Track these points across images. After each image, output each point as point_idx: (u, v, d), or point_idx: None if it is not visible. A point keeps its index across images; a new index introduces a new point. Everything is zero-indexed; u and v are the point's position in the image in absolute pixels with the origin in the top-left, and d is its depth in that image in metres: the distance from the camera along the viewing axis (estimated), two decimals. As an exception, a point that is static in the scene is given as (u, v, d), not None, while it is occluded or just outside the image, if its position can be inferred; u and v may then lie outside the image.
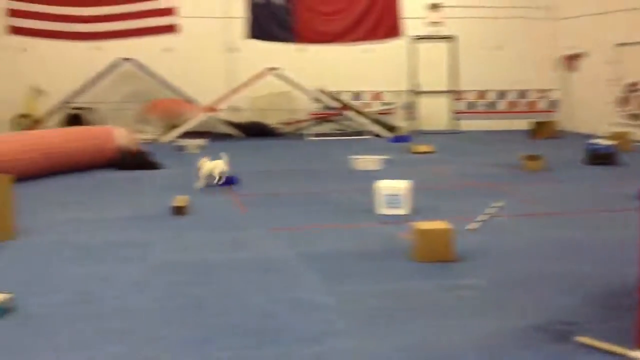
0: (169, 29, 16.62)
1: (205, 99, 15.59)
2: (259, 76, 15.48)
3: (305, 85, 15.92)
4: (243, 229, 6.75)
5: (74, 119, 15.52)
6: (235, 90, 15.91)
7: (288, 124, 16.65)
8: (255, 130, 15.99)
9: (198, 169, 9.20)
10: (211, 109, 15.26)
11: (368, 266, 5.41)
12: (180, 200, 7.52)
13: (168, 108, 15.19)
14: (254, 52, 16.72)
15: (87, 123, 15.43)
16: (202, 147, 13.04)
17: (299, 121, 16.65)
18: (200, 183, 9.08)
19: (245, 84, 15.58)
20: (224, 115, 16.11)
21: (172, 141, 14.03)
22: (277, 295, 4.72)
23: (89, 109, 15.91)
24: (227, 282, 5.02)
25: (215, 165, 9.22)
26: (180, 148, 13.15)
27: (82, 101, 15.72)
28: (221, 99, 15.58)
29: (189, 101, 15.57)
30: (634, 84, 15.77)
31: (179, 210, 7.26)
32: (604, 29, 16.36)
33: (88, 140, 10.63)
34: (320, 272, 5.24)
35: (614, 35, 16.01)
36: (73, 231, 6.68)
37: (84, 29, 16.15)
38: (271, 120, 16.48)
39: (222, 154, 9.38)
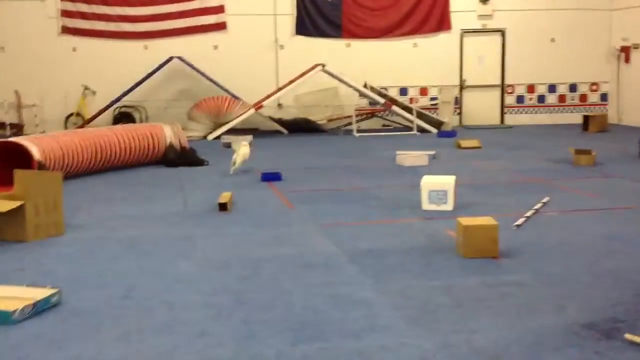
0: (218, 26, 16.82)
1: (252, 97, 15.70)
2: (307, 72, 15.50)
3: (352, 81, 15.89)
4: (288, 225, 6.78)
5: (124, 117, 15.84)
6: (282, 87, 15.98)
7: (333, 120, 16.64)
8: (300, 127, 16.02)
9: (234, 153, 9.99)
10: (257, 106, 15.35)
11: (412, 262, 5.37)
12: (225, 196, 7.59)
13: (215, 106, 15.35)
14: (300, 48, 16.79)
15: (137, 121, 15.74)
16: (248, 144, 13.12)
17: (344, 117, 16.62)
18: (235, 167, 9.80)
19: (293, 80, 15.63)
20: (270, 112, 16.20)
21: (219, 138, 14.17)
22: (321, 290, 4.72)
23: (139, 107, 16.21)
24: (271, 278, 5.05)
25: (244, 153, 9.98)
26: (227, 145, 13.26)
27: (131, 100, 16.02)
28: (267, 96, 15.67)
29: (235, 99, 15.70)
30: (690, 75, 15.25)
31: (224, 206, 7.33)
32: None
33: (137, 137, 10.82)
34: (364, 268, 5.23)
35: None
36: (120, 227, 6.81)
37: (133, 29, 16.48)
38: (317, 116, 16.50)
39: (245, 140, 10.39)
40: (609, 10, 17.72)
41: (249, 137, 10.50)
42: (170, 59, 15.87)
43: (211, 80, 15.97)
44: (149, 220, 7.09)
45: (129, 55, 16.19)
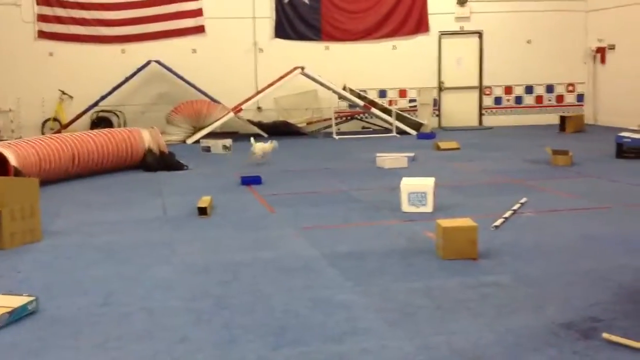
0: (196, 30, 16.75)
1: (231, 100, 15.66)
2: (287, 75, 15.49)
3: (331, 84, 15.91)
4: (268, 229, 6.77)
5: (102, 122, 15.72)
6: (261, 90, 15.95)
7: (313, 122, 16.64)
8: (280, 130, 16.00)
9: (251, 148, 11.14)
10: (236, 109, 15.31)
11: (392, 264, 5.39)
12: (205, 201, 7.56)
13: (194, 109, 15.28)
14: (279, 51, 16.79)
15: (115, 126, 15.61)
16: (227, 148, 13.10)
17: (324, 120, 16.63)
18: (250, 159, 11.05)
19: (272, 84, 15.61)
20: (249, 116, 16.16)
21: (198, 142, 14.11)
22: (302, 294, 4.72)
23: (116, 111, 16.10)
24: (252, 282, 5.04)
25: (263, 147, 11.17)
26: (207, 149, 13.23)
27: (109, 104, 15.90)
28: (246, 100, 15.64)
29: (214, 102, 15.65)
30: (665, 76, 15.47)
31: (204, 211, 7.30)
32: (633, 20, 16.10)
33: (115, 142, 10.74)
34: (345, 271, 5.23)
35: (643, 26, 15.75)
36: (98, 232, 6.76)
37: (111, 33, 16.36)
38: (296, 119, 16.49)
39: (273, 140, 11.58)
40: (584, 12, 17.93)
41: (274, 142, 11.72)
42: (149, 62, 15.79)
43: (190, 83, 15.91)
44: (128, 226, 7.03)
45: (107, 60, 16.08)
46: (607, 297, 4.46)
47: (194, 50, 16.66)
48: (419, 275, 5.07)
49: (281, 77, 15.56)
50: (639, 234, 6.11)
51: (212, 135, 14.63)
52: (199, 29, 16.82)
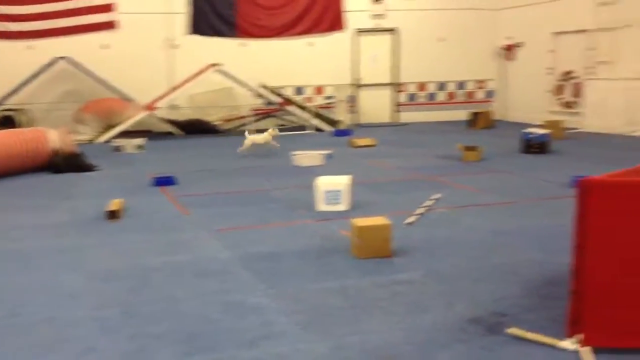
0: (108, 25, 16.24)
1: (144, 97, 15.30)
2: (201, 72, 15.27)
3: (247, 81, 15.79)
4: (181, 231, 6.63)
5: (6, 121, 15.02)
6: (175, 88, 15.66)
7: (229, 120, 16.48)
8: (195, 128, 15.78)
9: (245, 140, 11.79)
10: (150, 107, 14.97)
11: (307, 265, 5.38)
12: (115, 203, 7.34)
13: (105, 107, 14.84)
14: (195, 48, 16.53)
15: (20, 125, 14.96)
16: (140, 147, 12.79)
17: (240, 117, 16.50)
18: (243, 149, 11.74)
19: (187, 81, 15.36)
20: (163, 113, 15.84)
21: (109, 141, 13.71)
22: (215, 298, 4.64)
23: (22, 110, 15.42)
24: (163, 288, 4.92)
25: (254, 139, 11.87)
26: (118, 148, 12.87)
27: (14, 102, 15.23)
28: (161, 97, 15.32)
29: (126, 100, 15.25)
30: (567, 73, 16.17)
31: (114, 214, 7.08)
32: (540, 18, 16.73)
33: (19, 142, 10.28)
34: (259, 273, 5.18)
35: (550, 24, 16.39)
36: (2, 239, 6.44)
37: (19, 28, 15.65)
38: (212, 117, 16.28)
39: (272, 128, 12.28)
40: (494, 10, 18.49)
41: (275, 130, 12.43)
42: (57, 59, 15.21)
43: (101, 80, 15.44)
44: (34, 231, 6.74)
45: (11, 56, 15.39)
46: (515, 291, 4.59)
47: (106, 46, 16.18)
48: (334, 275, 5.09)
49: (196, 74, 15.33)
50: (544, 227, 6.33)
51: (124, 134, 14.25)
52: (112, 25, 16.32)
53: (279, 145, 12.16)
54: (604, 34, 14.99)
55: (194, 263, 5.50)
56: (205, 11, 16.92)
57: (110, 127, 14.69)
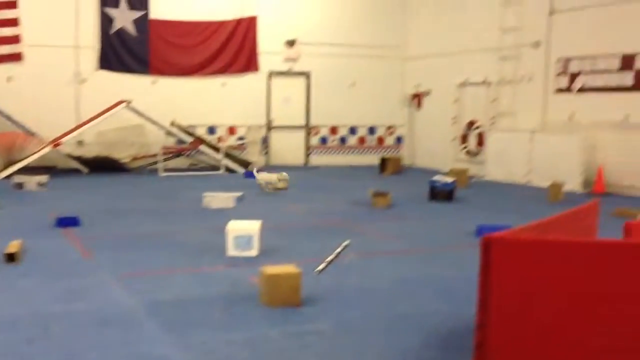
0: (12, 57, 15.72)
1: (50, 132, 14.80)
2: (111, 108, 14.94)
3: (158, 119, 15.58)
4: (83, 276, 6.38)
5: None
6: (83, 123, 15.24)
7: (138, 158, 16.15)
8: (102, 165, 15.36)
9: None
10: (55, 142, 14.48)
11: (215, 314, 5.27)
12: (14, 245, 6.99)
13: (6, 142, 14.23)
14: (104, 83, 16.23)
15: None
16: (43, 184, 12.31)
17: (150, 156, 16.20)
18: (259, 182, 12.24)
19: (95, 117, 14.98)
20: (69, 149, 15.35)
21: (10, 178, 13.12)
22: (118, 350, 4.47)
23: None
24: (63, 338, 4.69)
25: (266, 177, 12.25)
26: (19, 185, 12.33)
27: None
28: (67, 132, 14.86)
29: (30, 134, 14.70)
30: (472, 122, 16.85)
31: (12, 257, 6.74)
32: (446, 69, 17.44)
33: None
34: (166, 322, 5.04)
35: (455, 75, 17.10)
36: None
37: None
38: (120, 154, 15.91)
39: (283, 174, 12.53)
40: (403, 59, 19.12)
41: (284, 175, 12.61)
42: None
43: (3, 114, 14.84)
44: None
45: None
46: (421, 342, 4.66)
47: (10, 79, 15.63)
48: (242, 325, 5.01)
49: (105, 111, 15.00)
50: (450, 277, 6.48)
51: (26, 170, 13.68)
52: (16, 57, 15.82)
53: (286, 187, 12.36)
54: (505, 86, 15.76)
55: (97, 311, 5.29)
56: (116, 47, 16.68)
57: (11, 162, 14.07)
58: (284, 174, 12.49)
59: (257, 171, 12.49)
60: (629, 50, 12.87)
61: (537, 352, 3.27)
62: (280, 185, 12.28)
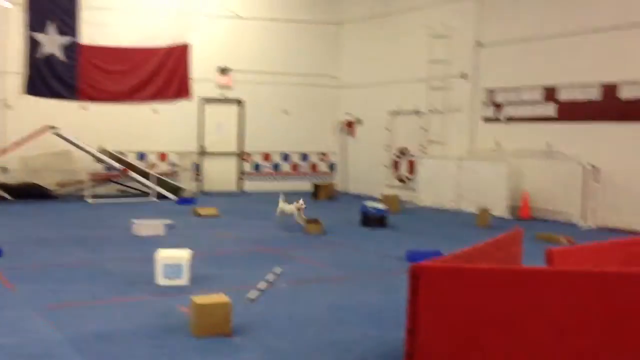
0: None
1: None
2: (36, 134, 14.53)
3: (86, 145, 15.24)
4: (5, 309, 6.14)
5: None
6: (7, 149, 14.75)
7: (66, 185, 15.72)
8: (27, 192, 14.87)
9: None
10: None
11: (144, 346, 5.16)
12: None
13: None
14: (31, 109, 15.78)
15: None
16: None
17: (78, 182, 15.79)
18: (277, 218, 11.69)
19: (20, 142, 14.54)
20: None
21: None
22: (39, 386, 4.31)
23: None
24: (-20, 375, 4.50)
25: (283, 208, 11.61)
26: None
27: None
28: (-11, 159, 14.37)
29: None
30: (403, 150, 17.16)
31: None
32: (378, 98, 17.77)
33: None
34: (92, 356, 4.90)
35: (387, 104, 17.44)
36: None
37: None
38: (47, 181, 15.45)
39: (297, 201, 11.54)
40: (336, 88, 19.37)
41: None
42: None
43: None
44: None
45: None
46: (351, 370, 4.68)
47: None
48: (171, 357, 4.91)
49: (30, 136, 14.58)
50: (380, 303, 6.54)
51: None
52: None
53: (305, 220, 11.29)
54: (435, 115, 16.16)
55: (19, 346, 5.09)
56: (43, 72, 16.27)
57: None
58: (300, 201, 11.58)
59: (282, 199, 11.85)
60: (550, 82, 13.42)
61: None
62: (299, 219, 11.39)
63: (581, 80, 12.80)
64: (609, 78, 12.30)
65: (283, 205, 11.71)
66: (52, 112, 15.78)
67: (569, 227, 12.23)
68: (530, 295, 3.27)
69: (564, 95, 13.22)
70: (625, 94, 12.11)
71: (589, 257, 4.35)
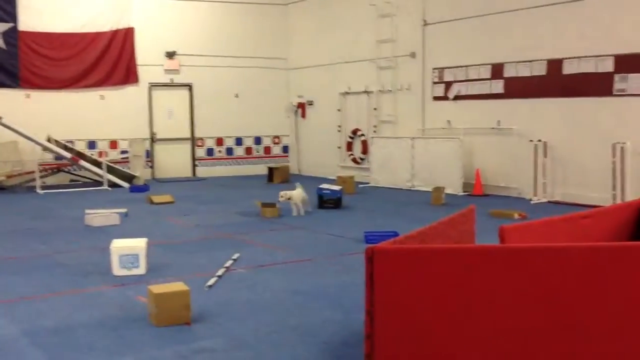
0: None
1: None
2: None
3: (34, 134, 14.87)
4: (-44, 306, 5.99)
5: None
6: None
7: (14, 176, 15.34)
8: (-26, 185, 14.50)
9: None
10: None
11: (102, 337, 5.10)
12: None
13: None
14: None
15: None
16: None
17: (26, 173, 15.42)
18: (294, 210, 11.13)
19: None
20: None
21: None
22: (-4, 384, 4.24)
23: None
24: None
25: (290, 195, 11.02)
26: None
27: None
28: None
29: None
30: (355, 131, 17.24)
31: None
32: (329, 79, 17.77)
33: None
34: (49, 350, 4.82)
35: (338, 85, 17.45)
36: None
37: None
38: (-7, 173, 15.08)
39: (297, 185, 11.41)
40: (285, 70, 19.29)
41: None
42: None
43: None
44: None
45: None
46: (313, 353, 4.71)
47: None
48: (131, 348, 4.87)
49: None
50: (340, 285, 6.59)
51: None
52: None
53: (309, 207, 11.31)
54: (385, 95, 16.26)
55: (-28, 344, 4.99)
56: (-17, 61, 15.81)
57: None
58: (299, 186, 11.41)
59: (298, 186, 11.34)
60: (498, 59, 13.62)
61: None
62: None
63: (527, 56, 13.02)
64: (553, 55, 12.54)
65: (289, 193, 11.09)
66: (-4, 102, 15.36)
67: (521, 202, 12.51)
68: (483, 274, 3.34)
69: (510, 72, 13.44)
70: (567, 69, 12.36)
71: (541, 232, 4.46)
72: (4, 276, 7.09)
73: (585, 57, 12.00)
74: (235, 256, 7.83)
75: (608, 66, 11.69)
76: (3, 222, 10.72)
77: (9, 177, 15.30)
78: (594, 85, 11.89)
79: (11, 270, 7.37)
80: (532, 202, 12.54)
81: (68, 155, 15.39)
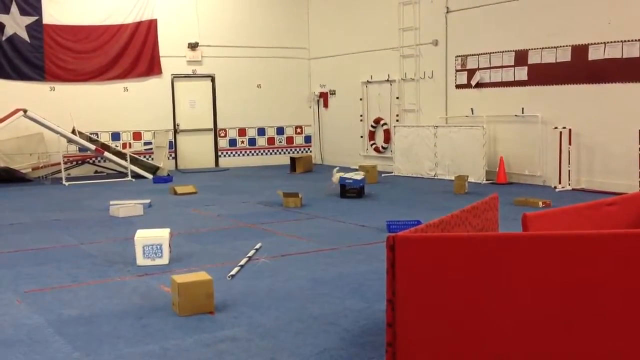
0: None
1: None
2: (7, 117, 14.29)
3: (59, 127, 15.03)
4: (-17, 296, 6.09)
5: None
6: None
7: (39, 168, 15.54)
8: (1, 177, 14.68)
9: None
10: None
11: (126, 326, 5.15)
12: None
13: None
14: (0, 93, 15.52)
15: None
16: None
17: (52, 165, 15.60)
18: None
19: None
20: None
21: None
22: (23, 372, 4.29)
23: None
24: (-39, 364, 4.47)
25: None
26: None
27: None
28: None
29: None
30: (377, 120, 17.16)
31: None
32: (351, 68, 17.70)
33: None
34: (74, 339, 4.88)
35: (360, 74, 17.38)
36: None
37: None
38: (20, 164, 15.26)
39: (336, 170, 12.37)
40: (307, 59, 19.25)
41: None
42: None
43: None
44: None
45: None
46: (335, 342, 4.71)
47: None
48: (155, 337, 4.91)
49: (1, 120, 14.34)
50: (362, 274, 6.58)
51: None
52: None
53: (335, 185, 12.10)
54: (408, 84, 16.15)
55: (-1, 332, 5.06)
56: (8, 54, 15.98)
57: None
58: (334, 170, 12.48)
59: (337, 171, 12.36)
60: (521, 46, 13.45)
61: (447, 349, 3.37)
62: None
63: (551, 42, 12.83)
64: (578, 40, 12.35)
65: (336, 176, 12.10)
66: (22, 95, 15.55)
67: (546, 190, 12.37)
68: (505, 262, 3.30)
69: (534, 59, 13.26)
70: (593, 55, 12.17)
71: (565, 219, 4.40)
72: (30, 267, 7.19)
73: (611, 42, 11.81)
74: (258, 246, 7.85)
75: (634, 51, 11.49)
76: (30, 213, 10.86)
77: (35, 168, 15.49)
78: (620, 71, 11.70)
79: (38, 261, 7.47)
80: (556, 190, 12.40)
81: (92, 147, 15.52)
